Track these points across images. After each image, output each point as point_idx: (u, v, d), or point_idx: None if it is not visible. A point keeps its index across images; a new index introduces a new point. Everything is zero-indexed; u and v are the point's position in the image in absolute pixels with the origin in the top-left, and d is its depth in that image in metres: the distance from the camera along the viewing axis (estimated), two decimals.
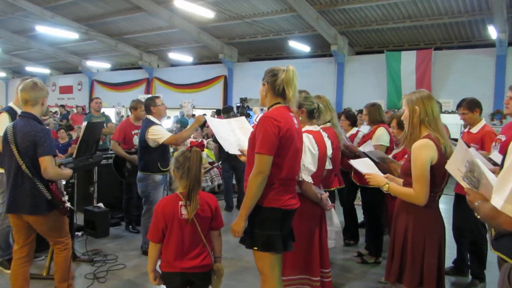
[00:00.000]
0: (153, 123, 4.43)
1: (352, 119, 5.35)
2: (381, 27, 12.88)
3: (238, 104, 10.07)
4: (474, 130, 3.94)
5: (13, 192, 3.00)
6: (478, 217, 1.89)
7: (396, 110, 7.02)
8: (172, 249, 2.40)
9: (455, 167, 2.09)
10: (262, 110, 9.52)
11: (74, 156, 3.90)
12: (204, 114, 16.72)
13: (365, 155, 3.83)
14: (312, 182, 2.81)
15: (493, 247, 1.77)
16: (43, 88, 3.14)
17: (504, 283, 1.69)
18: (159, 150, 4.42)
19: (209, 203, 2.50)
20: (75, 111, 13.08)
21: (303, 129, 2.90)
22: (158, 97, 4.75)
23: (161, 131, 4.38)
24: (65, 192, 3.21)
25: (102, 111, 7.20)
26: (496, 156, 3.20)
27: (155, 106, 4.53)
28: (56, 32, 14.69)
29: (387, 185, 2.58)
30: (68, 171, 3.28)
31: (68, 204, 3.15)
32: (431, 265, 2.47)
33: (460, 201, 4.01)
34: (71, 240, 4.33)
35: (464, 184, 2.01)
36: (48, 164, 2.90)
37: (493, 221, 1.66)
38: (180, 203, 2.40)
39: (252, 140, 2.47)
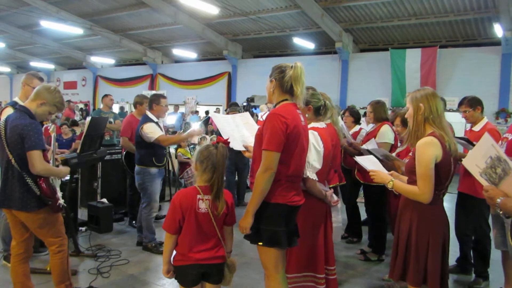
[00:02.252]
0: (149, 120, 4.53)
1: (356, 116, 5.34)
2: (386, 24, 12.82)
3: (245, 104, 10.12)
4: (477, 128, 3.93)
5: (4, 187, 2.94)
6: (500, 212, 1.88)
7: (401, 108, 7.00)
8: (187, 241, 2.40)
9: (473, 162, 2.07)
10: (268, 108, 9.52)
11: (78, 151, 3.91)
12: (207, 111, 16.70)
13: (369, 152, 3.82)
14: (317, 179, 2.80)
15: None
16: (54, 95, 3.03)
17: None
18: (154, 145, 4.51)
19: (226, 199, 2.50)
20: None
21: (309, 126, 2.90)
22: (164, 97, 4.76)
23: (153, 128, 4.47)
24: (58, 189, 3.09)
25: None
26: None
27: (158, 104, 4.61)
28: (61, 28, 14.69)
29: (392, 182, 2.57)
30: (63, 169, 3.17)
31: (61, 202, 3.06)
32: (435, 263, 2.46)
33: (463, 200, 3.99)
34: (75, 235, 4.38)
35: (482, 180, 2.00)
36: (35, 159, 2.82)
37: None
38: (198, 196, 2.40)
39: (259, 136, 2.47)
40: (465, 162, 2.14)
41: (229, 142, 2.50)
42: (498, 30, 10.72)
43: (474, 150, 2.11)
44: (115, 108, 18.60)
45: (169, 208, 2.44)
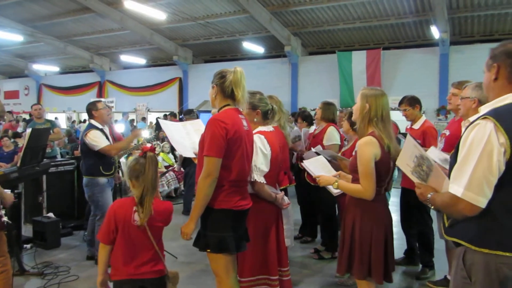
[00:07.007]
0: (94, 127, 4.38)
1: (309, 120, 5.46)
2: (332, 28, 13.22)
3: (181, 116, 10.11)
4: (416, 126, 4.16)
5: None
6: (432, 207, 1.97)
7: (349, 108, 7.22)
8: (120, 254, 2.33)
9: (404, 162, 2.19)
10: None
11: (18, 164, 3.72)
12: (158, 117, 16.37)
13: (317, 154, 3.92)
14: (265, 182, 2.83)
15: (446, 234, 1.84)
16: None
17: (458, 266, 1.75)
18: (100, 153, 4.33)
19: (165, 211, 2.42)
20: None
21: (256, 130, 2.93)
22: (99, 101, 4.71)
23: (99, 137, 4.32)
24: (1, 206, 2.95)
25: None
26: (432, 151, 3.17)
27: (97, 110, 4.48)
28: None
29: (336, 183, 2.67)
30: (9, 195, 3.00)
31: (4, 219, 2.92)
32: (378, 256, 2.56)
33: (406, 194, 4.18)
34: (18, 254, 4.15)
35: (413, 178, 2.11)
36: None
37: (452, 208, 1.72)
38: (134, 208, 2.32)
39: (202, 143, 2.47)
40: (398, 162, 2.26)
41: (155, 149, 2.45)
42: (434, 32, 11.34)
43: (402, 151, 2.24)
44: (61, 117, 17.87)
45: (105, 217, 2.39)
